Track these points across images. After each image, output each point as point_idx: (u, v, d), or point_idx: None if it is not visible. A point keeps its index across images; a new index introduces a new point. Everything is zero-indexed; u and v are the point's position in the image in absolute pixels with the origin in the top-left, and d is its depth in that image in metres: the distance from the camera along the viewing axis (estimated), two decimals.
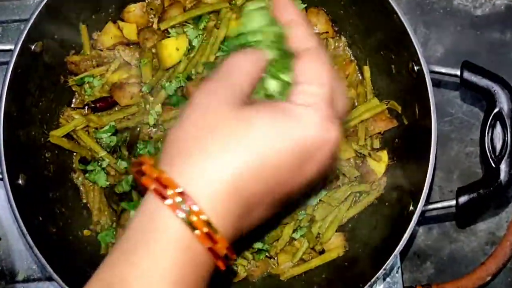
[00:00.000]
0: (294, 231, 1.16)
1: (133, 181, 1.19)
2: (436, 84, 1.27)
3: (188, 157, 0.44)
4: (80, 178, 1.27)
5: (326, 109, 0.49)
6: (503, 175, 0.87)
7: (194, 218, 0.40)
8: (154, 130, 1.24)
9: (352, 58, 1.25)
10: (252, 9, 0.57)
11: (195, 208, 0.40)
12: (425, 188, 0.92)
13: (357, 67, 1.25)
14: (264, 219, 0.46)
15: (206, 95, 0.50)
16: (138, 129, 1.26)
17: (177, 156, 0.45)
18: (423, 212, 0.93)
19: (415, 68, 1.01)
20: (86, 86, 1.25)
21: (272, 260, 1.17)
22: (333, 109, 0.50)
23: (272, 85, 0.53)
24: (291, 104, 0.49)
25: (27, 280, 1.09)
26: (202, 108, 0.47)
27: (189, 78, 1.24)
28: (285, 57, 0.54)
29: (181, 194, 0.41)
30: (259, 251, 1.18)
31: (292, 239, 1.15)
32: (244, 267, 1.18)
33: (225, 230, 0.41)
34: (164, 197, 0.41)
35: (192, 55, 1.22)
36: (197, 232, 0.40)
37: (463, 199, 0.90)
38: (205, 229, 0.40)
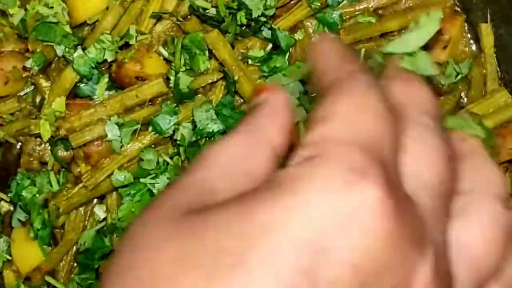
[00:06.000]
0: None
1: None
2: None
3: None
4: None
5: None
6: None
7: None
8: (50, 147, 1.13)
9: (457, 8, 1.13)
10: None
11: None
12: None
13: (466, 25, 1.12)
14: None
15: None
16: (19, 145, 1.15)
17: None
18: None
19: None
20: None
21: None
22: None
23: None
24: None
25: None
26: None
27: (126, 45, 1.12)
28: None
29: None
30: None
31: None
32: None
33: None
34: None
35: None
36: None
37: None
38: None
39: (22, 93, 1.15)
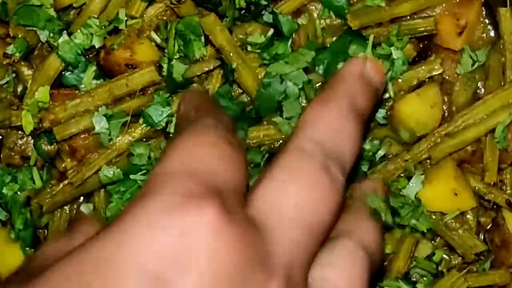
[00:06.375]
0: None
1: None
2: None
3: None
4: None
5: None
6: None
7: None
8: (32, 140, 1.12)
9: None
10: None
11: None
12: None
13: (483, 9, 1.10)
14: None
15: None
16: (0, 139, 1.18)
17: None
18: None
19: None
20: None
21: None
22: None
23: None
24: None
25: None
26: None
27: (115, 30, 1.10)
28: None
29: None
30: None
31: None
32: None
33: None
34: None
35: None
36: None
37: None
38: None
39: (2, 82, 1.12)
